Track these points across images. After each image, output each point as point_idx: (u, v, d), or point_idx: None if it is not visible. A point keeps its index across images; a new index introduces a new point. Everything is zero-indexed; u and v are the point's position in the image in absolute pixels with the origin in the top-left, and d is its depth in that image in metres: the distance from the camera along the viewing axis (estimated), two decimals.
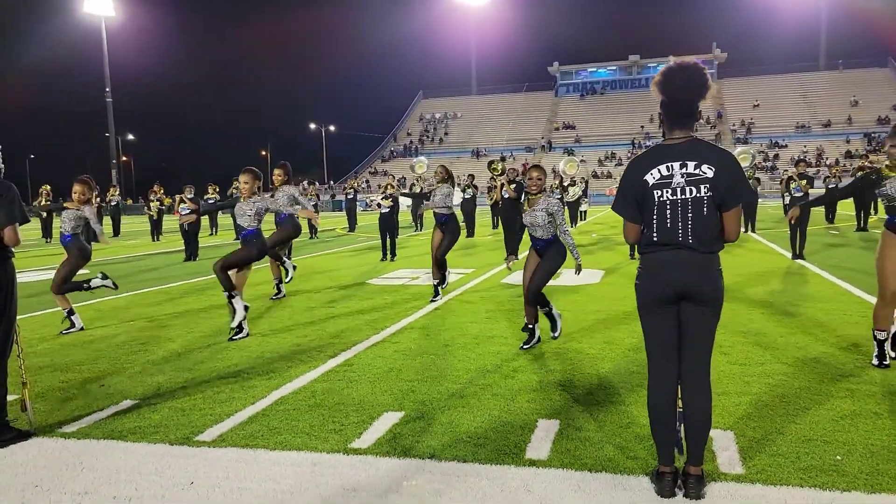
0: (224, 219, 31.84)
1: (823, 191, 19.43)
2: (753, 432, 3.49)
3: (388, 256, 12.79)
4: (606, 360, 5.03)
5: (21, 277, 10.31)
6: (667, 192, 2.76)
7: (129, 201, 60.46)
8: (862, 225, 16.90)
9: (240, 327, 6.13)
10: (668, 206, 2.76)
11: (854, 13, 76.84)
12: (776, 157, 55.98)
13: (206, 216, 22.24)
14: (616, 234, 17.64)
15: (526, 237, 5.61)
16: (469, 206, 19.06)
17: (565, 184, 19.11)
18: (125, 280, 10.92)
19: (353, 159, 71.95)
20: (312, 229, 20.77)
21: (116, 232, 23.89)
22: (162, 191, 20.09)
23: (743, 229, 16.91)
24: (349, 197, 23.38)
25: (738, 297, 7.60)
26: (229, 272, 6.22)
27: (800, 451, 3.23)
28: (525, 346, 5.43)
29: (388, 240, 12.78)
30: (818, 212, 18.35)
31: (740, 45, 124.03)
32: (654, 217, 2.79)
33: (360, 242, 17.91)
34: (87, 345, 6.04)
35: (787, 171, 13.99)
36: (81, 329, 6.67)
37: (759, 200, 21.33)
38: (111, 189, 25.96)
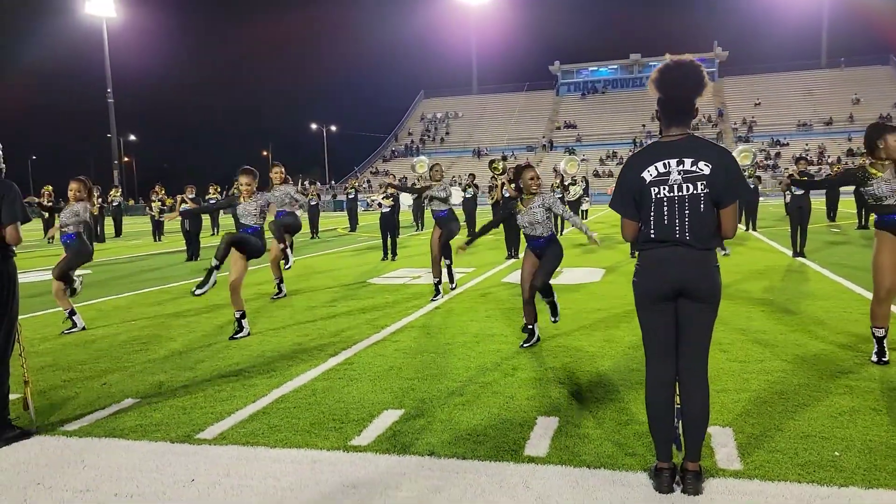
0: (226, 219, 31.86)
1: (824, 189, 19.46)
2: (752, 429, 3.50)
3: (389, 256, 12.81)
4: (606, 358, 5.04)
5: (23, 278, 10.35)
6: (664, 189, 2.77)
7: (131, 202, 60.52)
8: (863, 223, 16.89)
9: (240, 326, 6.16)
10: (665, 203, 2.77)
11: (855, 10, 76.77)
12: (778, 155, 55.92)
13: (208, 216, 22.26)
14: (617, 233, 17.63)
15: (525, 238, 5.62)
16: (470, 206, 19.06)
17: (566, 183, 19.11)
18: (127, 280, 10.95)
19: (354, 159, 72.02)
20: (313, 229, 20.80)
21: (119, 232, 23.93)
22: (163, 191, 20.13)
23: (744, 228, 16.91)
24: (350, 197, 23.40)
25: (739, 294, 7.61)
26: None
27: (798, 448, 3.24)
28: (525, 345, 5.44)
29: (388, 239, 12.80)
30: (820, 210, 18.34)
31: (742, 44, 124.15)
32: (652, 214, 2.81)
33: (360, 242, 17.93)
34: (89, 344, 6.07)
35: (787, 168, 13.96)
36: (83, 329, 6.70)
37: (761, 199, 21.29)
38: (114, 190, 25.99)
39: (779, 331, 5.77)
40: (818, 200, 16.13)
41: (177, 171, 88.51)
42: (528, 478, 3.02)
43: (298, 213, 8.82)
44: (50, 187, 20.92)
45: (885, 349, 4.69)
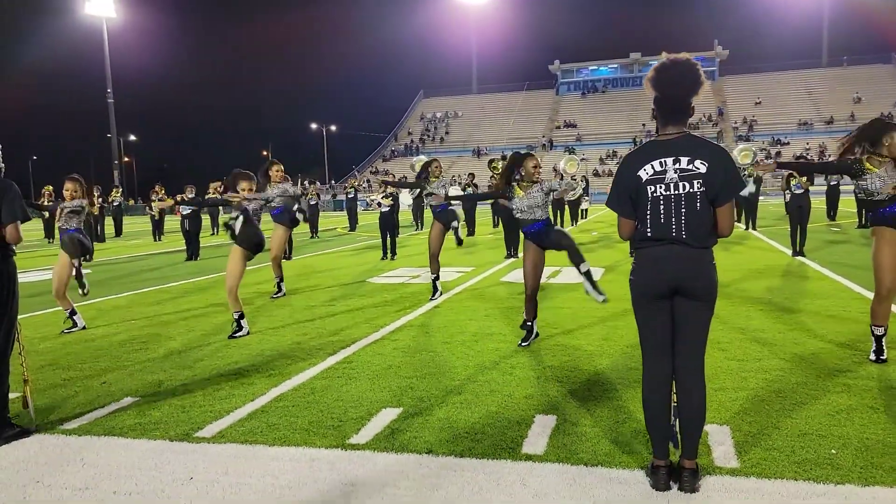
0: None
1: (825, 188, 19.44)
2: (749, 427, 3.51)
3: (389, 255, 12.82)
4: (604, 357, 5.05)
5: (23, 277, 10.37)
6: (660, 187, 2.78)
7: (132, 202, 60.52)
8: (863, 222, 16.88)
9: (239, 326, 6.18)
10: (662, 202, 2.78)
11: (856, 9, 76.63)
12: (778, 154, 55.87)
13: (208, 216, 22.29)
14: (616, 233, 17.65)
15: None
16: (469, 205, 19.07)
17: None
18: (127, 280, 10.97)
19: (353, 159, 72.06)
20: (313, 228, 20.80)
21: (119, 232, 23.95)
22: (163, 191, 20.12)
23: (743, 227, 16.91)
24: (350, 196, 23.42)
25: (738, 293, 7.62)
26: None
27: (795, 445, 3.25)
28: (523, 344, 5.45)
29: (388, 239, 12.81)
30: (820, 209, 18.33)
31: (742, 43, 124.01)
32: (648, 212, 2.81)
33: (360, 241, 17.94)
34: (89, 343, 6.08)
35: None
36: (83, 328, 6.71)
37: (761, 198, 21.28)
38: (114, 190, 26.00)
39: (777, 329, 5.78)
40: (818, 199, 16.12)
41: (177, 171, 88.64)
42: (525, 475, 3.03)
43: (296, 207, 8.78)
44: (50, 187, 20.92)
45: (884, 348, 4.69)
